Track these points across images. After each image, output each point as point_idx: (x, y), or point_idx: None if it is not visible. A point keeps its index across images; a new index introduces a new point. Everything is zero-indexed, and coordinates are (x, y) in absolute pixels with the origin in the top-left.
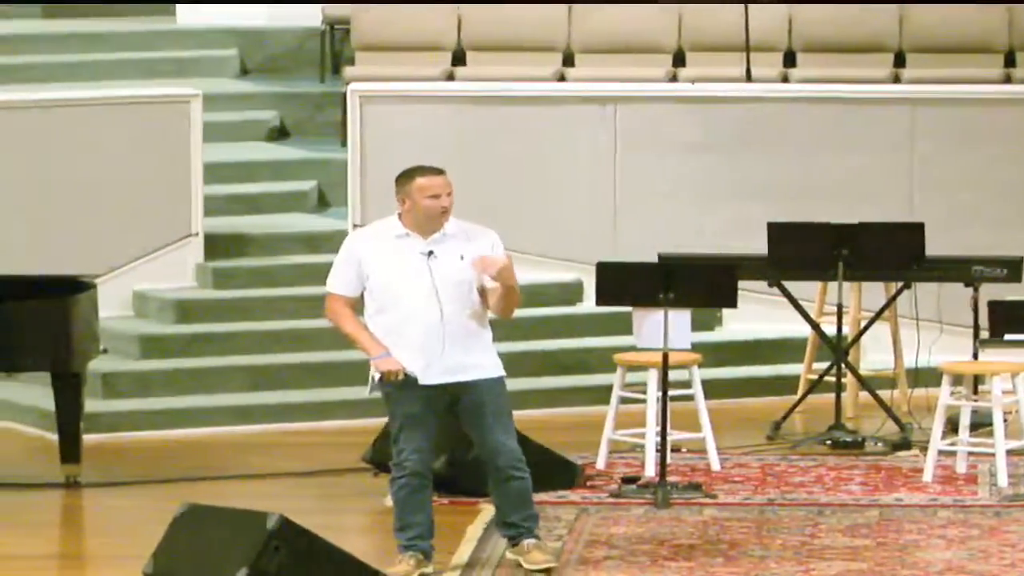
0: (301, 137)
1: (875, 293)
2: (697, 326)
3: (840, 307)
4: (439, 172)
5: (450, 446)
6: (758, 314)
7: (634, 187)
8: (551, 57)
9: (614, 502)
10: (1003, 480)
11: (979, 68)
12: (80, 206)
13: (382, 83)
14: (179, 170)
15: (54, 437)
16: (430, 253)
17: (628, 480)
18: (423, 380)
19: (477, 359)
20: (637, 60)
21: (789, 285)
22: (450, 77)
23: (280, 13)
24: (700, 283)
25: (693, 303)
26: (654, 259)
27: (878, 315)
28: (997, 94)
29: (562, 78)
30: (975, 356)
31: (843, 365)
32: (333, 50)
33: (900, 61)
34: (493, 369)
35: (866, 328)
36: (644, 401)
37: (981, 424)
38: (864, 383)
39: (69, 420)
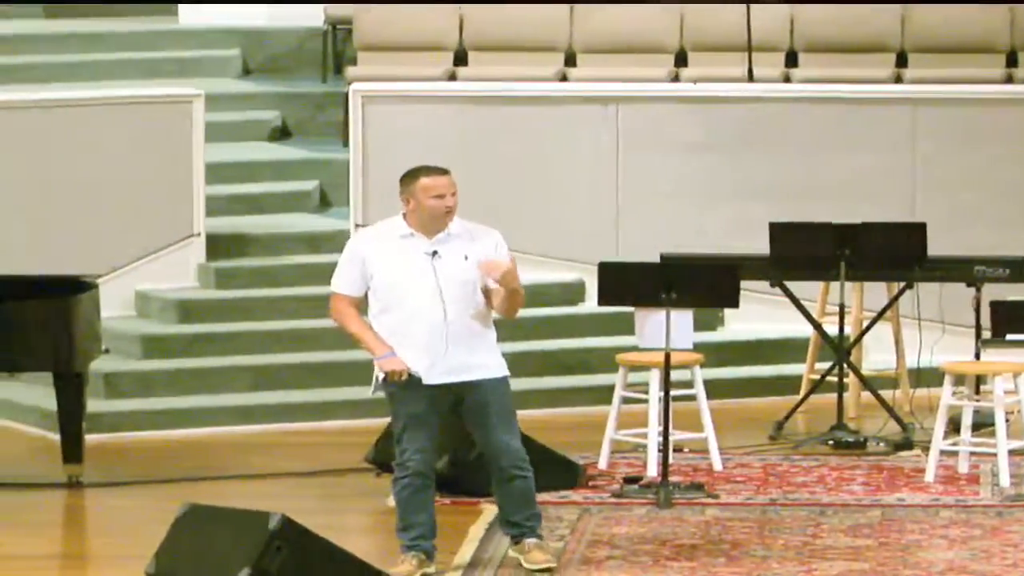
0: (303, 137)
1: (877, 293)
2: (699, 326)
3: (842, 307)
4: (444, 172)
5: (452, 446)
6: (760, 314)
7: (636, 187)
8: (553, 57)
9: (616, 502)
10: (1005, 480)
11: (981, 68)
12: (82, 206)
13: (384, 83)
14: (181, 170)
15: (56, 437)
16: (434, 253)
17: (630, 480)
18: (427, 380)
19: (481, 359)
20: (639, 60)
21: (791, 285)
22: (452, 77)
23: (282, 13)
24: (702, 283)
25: (695, 303)
26: (656, 259)
27: (880, 315)
28: (999, 94)
29: (564, 78)
30: (977, 356)
31: (845, 365)
32: (335, 50)
33: (902, 61)
34: (497, 369)
35: (868, 328)
36: (646, 401)
37: (983, 424)
38: (866, 383)
39: (71, 420)
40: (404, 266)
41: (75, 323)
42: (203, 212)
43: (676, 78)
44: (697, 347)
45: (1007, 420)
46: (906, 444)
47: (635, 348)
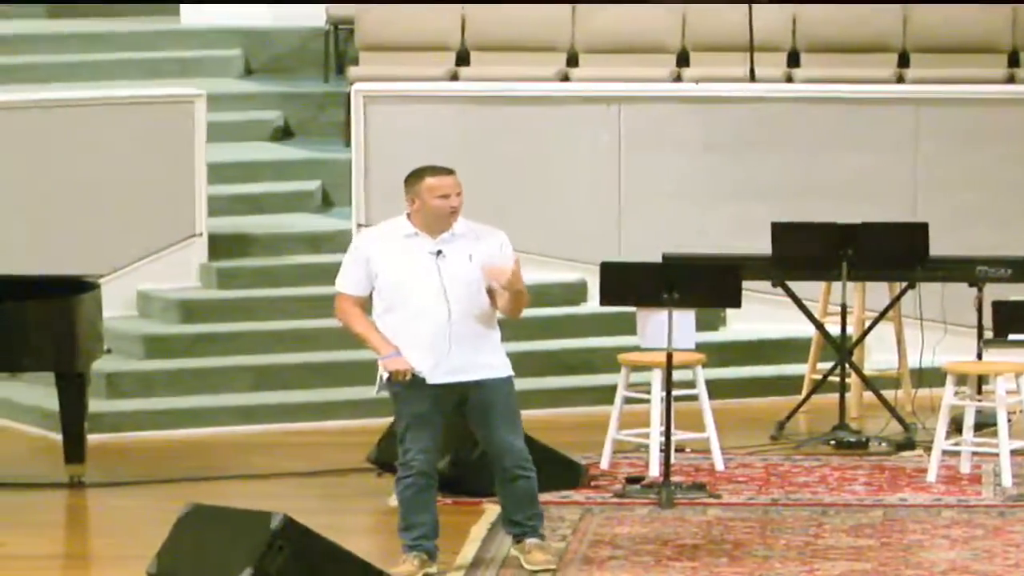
0: (305, 137)
1: (879, 293)
2: (701, 326)
3: (844, 307)
4: (449, 172)
5: (454, 446)
6: (762, 314)
7: (638, 187)
8: (555, 57)
9: (618, 502)
10: (1007, 480)
11: (983, 68)
12: (84, 206)
13: (386, 83)
14: (183, 170)
15: (58, 437)
16: (439, 253)
17: (632, 480)
18: (431, 379)
19: (486, 358)
20: (641, 60)
21: (793, 285)
22: (454, 77)
23: (284, 13)
24: (704, 283)
25: (697, 303)
26: (658, 259)
27: (882, 315)
28: (1001, 94)
29: (566, 78)
30: (979, 356)
31: (847, 365)
32: (337, 50)
33: (904, 61)
34: (502, 368)
35: (870, 328)
36: (648, 401)
37: (985, 424)
38: (868, 383)
39: (73, 420)
40: (408, 266)
41: (77, 323)
42: (205, 212)
43: (678, 78)
44: (699, 347)
45: (1009, 420)
46: (908, 444)
47: (637, 348)
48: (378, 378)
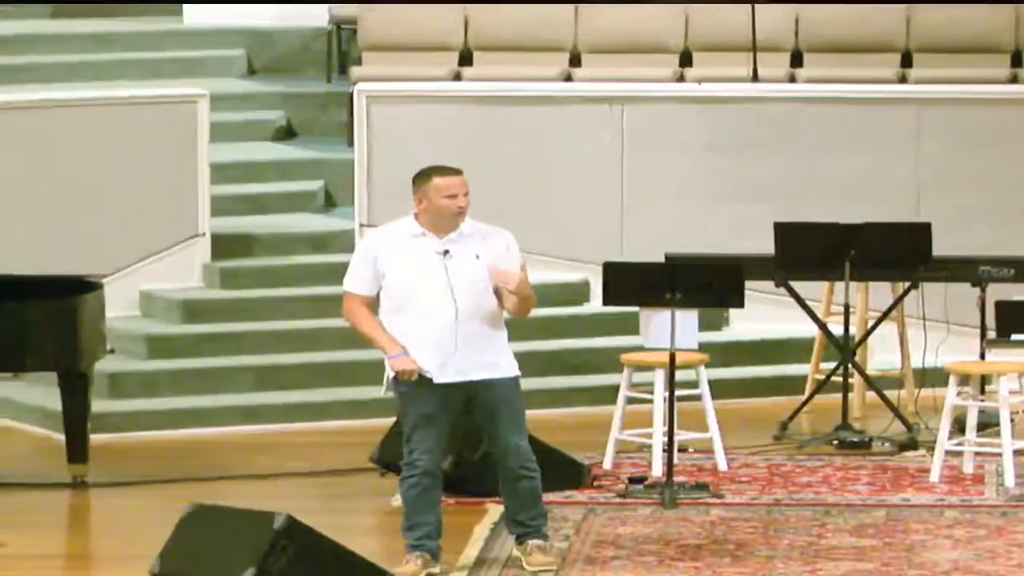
0: (308, 137)
1: (882, 293)
2: (704, 326)
3: (847, 307)
4: (456, 172)
5: (457, 447)
6: (765, 314)
7: (641, 187)
8: (558, 57)
9: (621, 502)
10: (1010, 480)
11: (986, 68)
12: (87, 206)
13: (389, 83)
14: (186, 170)
15: (61, 437)
16: (446, 252)
17: (635, 480)
18: (438, 379)
19: (492, 358)
20: (644, 60)
21: (796, 285)
22: (457, 77)
23: (287, 13)
24: (707, 283)
25: (700, 303)
26: (661, 259)
27: (885, 315)
28: (1004, 94)
29: (569, 78)
30: (982, 356)
31: (850, 365)
32: (340, 50)
33: (907, 61)
34: (509, 368)
35: (873, 328)
36: (651, 401)
37: (988, 424)
38: (871, 383)
39: (76, 420)
40: (416, 265)
41: (80, 323)
42: (208, 212)
43: (681, 78)
44: (702, 347)
45: (1012, 420)
46: (911, 444)
47: (640, 348)
48: (385, 378)
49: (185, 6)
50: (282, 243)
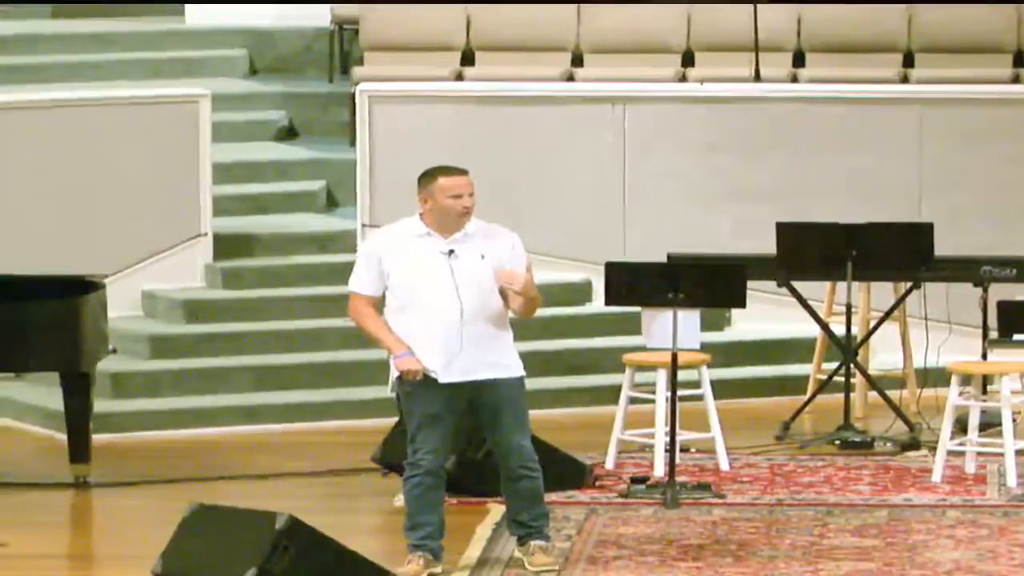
0: (310, 137)
1: (884, 293)
2: (706, 326)
3: (849, 307)
4: (462, 172)
5: (459, 447)
6: (767, 314)
7: (643, 187)
8: (560, 57)
9: (623, 502)
10: (1012, 480)
11: (988, 68)
12: (89, 206)
13: (391, 83)
14: (188, 170)
15: (63, 437)
16: (451, 252)
17: (637, 480)
18: (443, 379)
19: (497, 358)
20: (646, 60)
21: (798, 285)
22: (459, 77)
23: (289, 13)
24: (709, 283)
25: (702, 303)
26: (663, 259)
27: (887, 315)
28: (1006, 94)
29: (571, 78)
30: (984, 356)
31: (852, 365)
32: (342, 50)
33: (909, 61)
34: (514, 368)
35: (875, 328)
36: (653, 401)
37: (990, 424)
38: (873, 383)
39: (78, 420)
40: (421, 265)
41: (82, 323)
42: (210, 212)
43: (683, 78)
44: (704, 347)
45: (1014, 420)
46: (913, 444)
47: (642, 348)
48: (390, 378)
49: (187, 6)
50: (284, 243)
